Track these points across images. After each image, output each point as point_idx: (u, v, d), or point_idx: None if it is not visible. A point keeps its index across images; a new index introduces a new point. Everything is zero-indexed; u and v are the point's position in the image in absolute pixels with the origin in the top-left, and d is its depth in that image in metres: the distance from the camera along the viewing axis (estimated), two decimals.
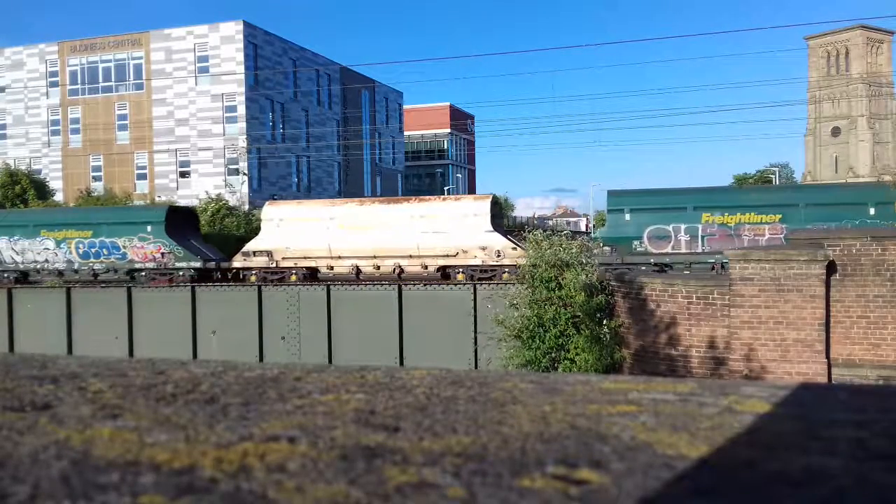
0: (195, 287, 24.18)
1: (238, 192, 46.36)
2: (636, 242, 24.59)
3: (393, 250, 25.61)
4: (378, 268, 26.00)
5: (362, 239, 25.81)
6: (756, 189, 36.53)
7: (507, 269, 23.96)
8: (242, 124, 49.46)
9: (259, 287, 23.64)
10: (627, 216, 24.95)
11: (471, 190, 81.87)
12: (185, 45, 50.64)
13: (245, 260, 27.36)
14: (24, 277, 29.10)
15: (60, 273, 28.93)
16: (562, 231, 19.64)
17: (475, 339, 19.73)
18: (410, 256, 25.60)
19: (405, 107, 73.10)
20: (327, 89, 58.68)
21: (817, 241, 12.77)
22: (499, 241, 25.38)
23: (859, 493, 0.85)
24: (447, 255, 25.09)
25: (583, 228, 72.83)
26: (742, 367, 12.36)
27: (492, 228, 25.40)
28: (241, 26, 49.45)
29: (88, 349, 22.63)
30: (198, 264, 27.54)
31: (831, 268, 12.32)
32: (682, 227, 24.24)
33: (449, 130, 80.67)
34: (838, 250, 12.39)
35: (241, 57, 49.25)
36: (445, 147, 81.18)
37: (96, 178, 52.08)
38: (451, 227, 25.17)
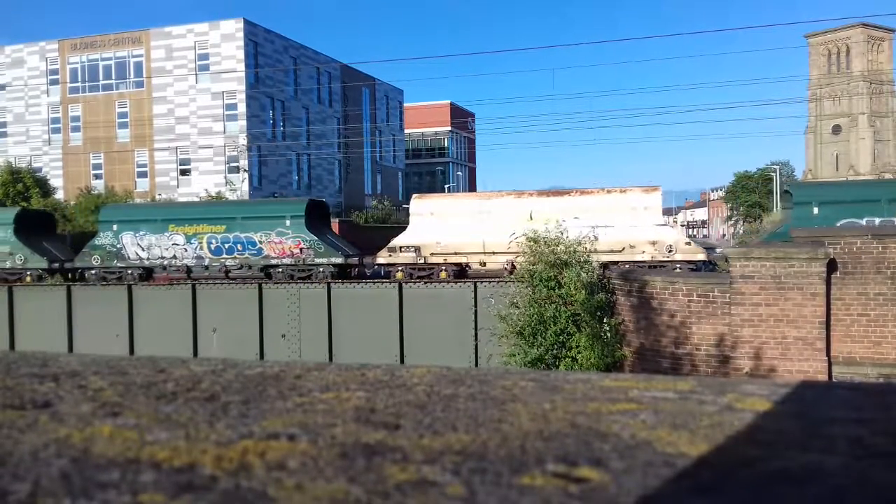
0: (195, 284, 24.18)
1: (238, 190, 46.41)
2: None
3: None
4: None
5: (519, 234, 25.08)
6: None
7: (678, 266, 23.12)
8: (243, 122, 49.46)
9: (259, 285, 23.65)
10: (816, 210, 23.74)
11: (471, 188, 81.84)
12: (185, 42, 50.63)
13: (391, 256, 26.28)
14: (148, 274, 27.84)
15: (189, 270, 27.78)
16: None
17: (475, 336, 19.75)
18: None
19: (406, 105, 73.09)
20: (328, 87, 58.67)
21: (818, 239, 12.77)
22: (670, 236, 24.54)
23: (859, 491, 0.85)
24: (612, 251, 23.90)
25: None
26: (743, 365, 12.37)
27: (664, 222, 24.36)
28: (241, 24, 49.42)
29: (89, 347, 22.64)
30: (339, 260, 26.26)
31: (832, 266, 12.32)
32: (877, 220, 22.82)
33: (449, 128, 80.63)
34: (839, 248, 12.39)
35: (241, 55, 49.24)
36: (446, 145, 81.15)
37: (97, 177, 52.11)
38: (617, 221, 24.06)
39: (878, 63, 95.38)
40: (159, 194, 48.77)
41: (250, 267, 27.35)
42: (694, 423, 1.13)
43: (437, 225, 25.78)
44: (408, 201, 29.80)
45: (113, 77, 52.48)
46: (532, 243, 15.69)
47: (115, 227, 28.17)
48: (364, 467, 0.93)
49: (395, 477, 0.89)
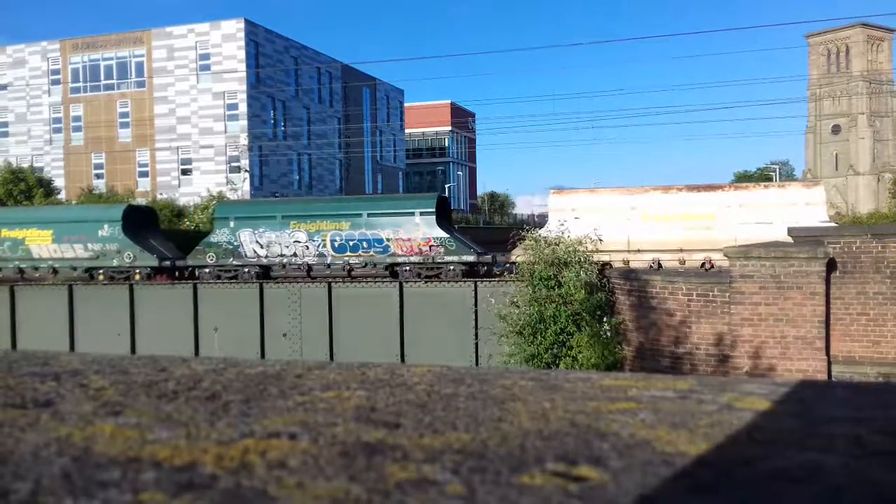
0: (197, 284, 24.19)
1: (239, 190, 46.40)
2: None
3: (704, 243, 23.36)
4: (683, 262, 23.64)
5: (668, 230, 23.62)
6: None
7: None
8: (244, 122, 49.46)
9: (260, 284, 23.67)
10: None
11: (471, 188, 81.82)
12: (186, 42, 50.63)
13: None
14: (265, 273, 26.82)
15: (309, 268, 26.71)
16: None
17: (476, 335, 19.77)
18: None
19: (406, 104, 73.04)
20: (328, 87, 58.66)
21: (818, 239, 12.77)
22: None
23: (857, 489, 0.85)
24: None
25: None
26: (742, 364, 12.37)
27: (828, 219, 23.18)
28: (242, 24, 49.42)
29: (90, 346, 22.65)
30: (472, 258, 24.95)
31: (831, 265, 12.32)
32: None
33: (450, 128, 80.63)
34: (838, 247, 12.39)
35: (242, 55, 49.23)
36: (446, 145, 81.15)
37: (98, 176, 52.13)
38: (777, 218, 22.63)
39: (878, 63, 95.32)
40: (160, 194, 48.76)
41: (375, 265, 26.24)
42: (693, 423, 1.13)
43: (576, 222, 23.76)
44: None
45: (114, 77, 52.49)
46: (534, 243, 15.72)
47: (232, 223, 27.09)
48: (364, 466, 0.93)
49: (395, 475, 0.90)
